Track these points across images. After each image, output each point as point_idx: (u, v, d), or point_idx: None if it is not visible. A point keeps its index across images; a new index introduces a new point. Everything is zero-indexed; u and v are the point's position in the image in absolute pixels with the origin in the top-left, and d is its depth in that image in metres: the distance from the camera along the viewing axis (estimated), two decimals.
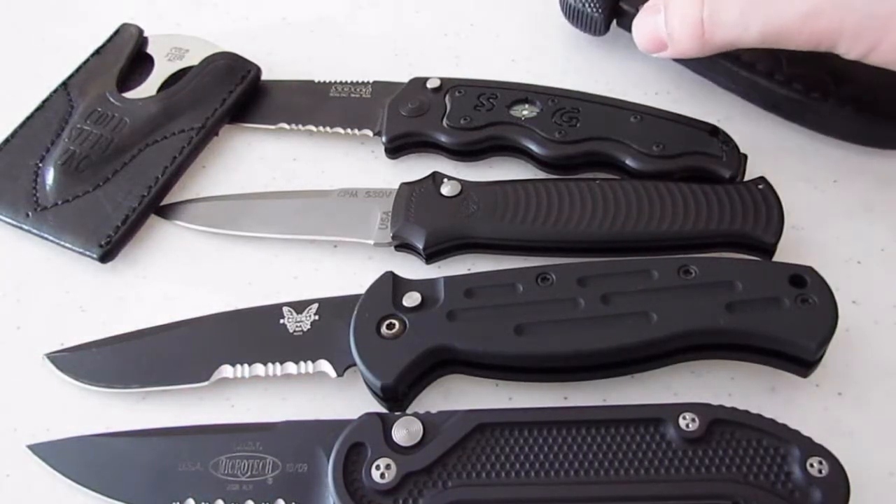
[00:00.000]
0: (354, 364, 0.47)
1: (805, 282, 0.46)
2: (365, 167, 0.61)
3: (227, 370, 0.49)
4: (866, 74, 0.56)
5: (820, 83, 0.57)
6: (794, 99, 0.58)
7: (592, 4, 0.63)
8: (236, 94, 0.63)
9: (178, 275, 0.56)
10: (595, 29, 0.65)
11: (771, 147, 0.59)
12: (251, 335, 0.50)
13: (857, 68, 0.56)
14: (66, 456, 0.47)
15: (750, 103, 0.61)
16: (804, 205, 0.55)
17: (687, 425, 0.41)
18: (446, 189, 0.55)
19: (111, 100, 0.62)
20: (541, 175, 0.58)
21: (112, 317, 0.54)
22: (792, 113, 0.59)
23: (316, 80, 0.65)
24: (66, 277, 0.56)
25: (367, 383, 0.47)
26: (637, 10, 0.62)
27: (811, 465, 0.39)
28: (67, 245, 0.56)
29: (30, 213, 0.57)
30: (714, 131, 0.56)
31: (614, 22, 0.65)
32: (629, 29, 0.64)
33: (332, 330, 0.49)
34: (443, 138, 0.59)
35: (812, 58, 0.54)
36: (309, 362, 0.49)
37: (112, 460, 0.46)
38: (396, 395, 0.46)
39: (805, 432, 0.41)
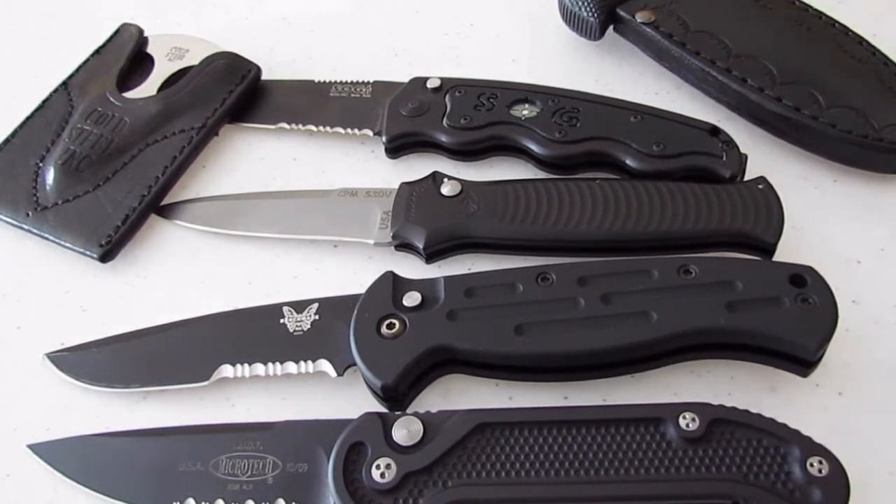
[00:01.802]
0: (354, 364, 0.47)
1: (805, 281, 0.46)
2: (365, 167, 0.61)
3: (227, 370, 0.49)
4: (859, 96, 0.56)
5: (811, 101, 0.56)
6: (782, 116, 0.57)
7: (589, 9, 0.63)
8: (236, 94, 0.63)
9: (178, 275, 0.56)
10: (591, 33, 0.65)
11: (771, 146, 0.59)
12: (251, 335, 0.50)
13: (851, 89, 0.56)
14: (66, 456, 0.47)
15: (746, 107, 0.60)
16: (804, 205, 0.55)
17: (687, 425, 0.41)
18: (446, 189, 0.55)
19: (111, 100, 0.62)
20: (541, 175, 0.58)
21: (112, 317, 0.54)
22: (779, 130, 0.58)
23: (316, 80, 0.65)
24: (66, 277, 0.56)
25: (367, 383, 0.47)
26: (633, 17, 0.62)
27: (811, 465, 0.39)
28: (67, 245, 0.56)
29: (30, 213, 0.57)
30: (714, 131, 0.56)
31: (611, 28, 0.65)
32: (626, 35, 0.64)
33: (332, 330, 0.49)
34: (443, 138, 0.59)
35: (804, 76, 0.53)
36: (309, 362, 0.49)
37: (112, 460, 0.46)
38: (396, 395, 0.46)
39: (805, 432, 0.41)
